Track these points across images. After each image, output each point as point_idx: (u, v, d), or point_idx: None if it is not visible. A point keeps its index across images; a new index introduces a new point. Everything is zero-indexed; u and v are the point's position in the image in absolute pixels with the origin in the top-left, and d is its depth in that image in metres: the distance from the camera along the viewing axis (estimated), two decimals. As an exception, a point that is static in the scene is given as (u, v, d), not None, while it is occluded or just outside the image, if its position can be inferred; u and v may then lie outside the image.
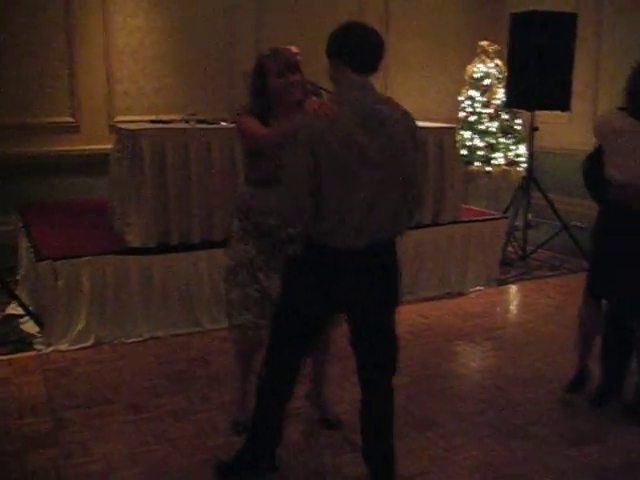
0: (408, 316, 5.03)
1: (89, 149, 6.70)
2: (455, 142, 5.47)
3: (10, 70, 6.41)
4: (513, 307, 5.61)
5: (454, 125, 5.47)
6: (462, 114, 7.50)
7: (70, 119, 6.82)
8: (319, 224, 2.61)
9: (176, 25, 7.02)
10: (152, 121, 5.17)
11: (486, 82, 7.38)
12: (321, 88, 5.38)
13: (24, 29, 6.46)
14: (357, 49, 2.61)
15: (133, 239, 4.57)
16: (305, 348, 2.93)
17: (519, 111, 7.16)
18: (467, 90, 7.50)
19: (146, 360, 4.29)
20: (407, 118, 2.68)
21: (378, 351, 2.83)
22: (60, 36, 6.65)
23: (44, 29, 6.56)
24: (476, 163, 7.37)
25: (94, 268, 4.42)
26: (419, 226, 5.34)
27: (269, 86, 3.10)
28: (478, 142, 7.39)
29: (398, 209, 2.70)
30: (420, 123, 5.42)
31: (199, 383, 3.96)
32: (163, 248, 4.61)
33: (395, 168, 2.63)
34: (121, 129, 4.92)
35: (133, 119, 6.18)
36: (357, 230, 2.61)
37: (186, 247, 4.63)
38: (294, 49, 5.08)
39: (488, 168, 7.35)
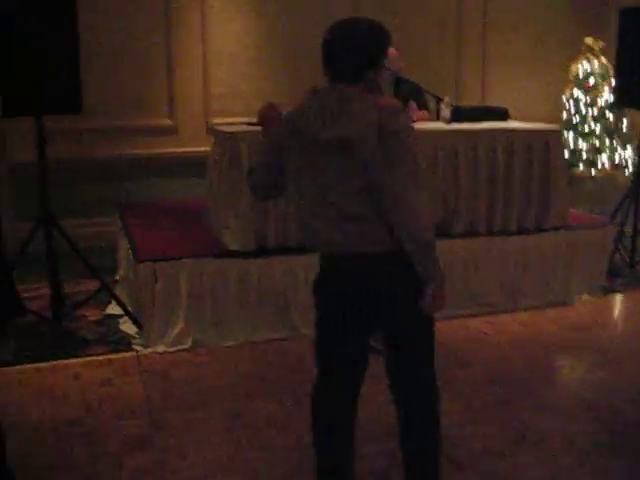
0: (510, 326, 4.85)
1: (186, 151, 6.77)
2: (562, 144, 5.22)
3: (110, 74, 6.53)
4: (620, 318, 5.31)
5: (559, 127, 5.21)
6: (565, 114, 7.20)
7: (168, 121, 6.91)
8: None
9: (273, 29, 7.01)
10: (248, 123, 5.14)
11: (591, 81, 7.06)
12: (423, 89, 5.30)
13: (123, 33, 6.57)
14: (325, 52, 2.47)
15: (231, 242, 4.55)
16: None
17: (625, 111, 6.83)
18: (571, 89, 7.21)
19: (243, 364, 4.26)
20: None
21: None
22: (159, 40, 6.74)
23: (143, 33, 6.67)
24: (580, 166, 7.07)
25: (192, 270, 4.42)
26: (522, 231, 5.15)
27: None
28: (582, 144, 7.09)
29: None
30: (523, 124, 5.30)
31: (295, 390, 3.89)
32: (261, 252, 4.58)
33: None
34: (219, 131, 4.92)
35: (229, 121, 6.20)
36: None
37: (283, 251, 4.58)
38: (393, 51, 4.99)
39: (593, 171, 7.03)
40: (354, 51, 2.41)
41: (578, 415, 3.65)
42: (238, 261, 4.49)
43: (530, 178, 5.07)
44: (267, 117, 2.78)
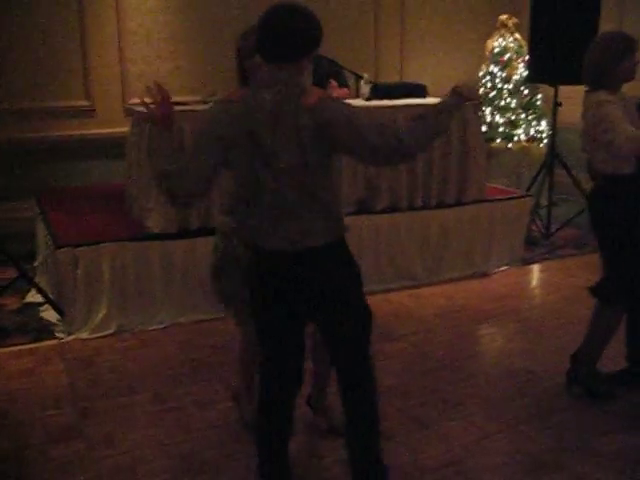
0: (434, 298, 4.96)
1: (105, 132, 6.60)
2: (479, 119, 5.33)
3: (22, 54, 6.29)
4: (539, 288, 5.49)
5: (478, 101, 5.31)
6: (482, 90, 7.34)
7: (85, 102, 6.71)
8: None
9: (189, 5, 6.88)
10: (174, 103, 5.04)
11: (506, 57, 7.21)
12: (342, 67, 5.32)
13: (35, 12, 6.33)
14: (260, 33, 2.43)
15: (153, 225, 4.49)
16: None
17: (540, 86, 7.01)
18: (487, 66, 7.35)
19: (169, 347, 4.22)
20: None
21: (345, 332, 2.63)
22: (72, 18, 6.50)
23: (56, 12, 6.44)
24: (497, 140, 7.23)
25: (114, 255, 4.35)
26: (442, 206, 5.25)
27: (245, 67, 3.01)
28: (498, 118, 7.25)
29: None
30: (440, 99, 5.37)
31: (222, 370, 3.88)
32: (183, 233, 4.53)
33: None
34: (137, 112, 4.82)
35: (148, 102, 6.07)
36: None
37: (207, 231, 4.53)
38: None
39: (509, 145, 7.21)
40: (295, 34, 2.39)
41: (498, 382, 3.78)
42: (160, 243, 4.43)
43: (449, 153, 5.16)
44: (164, 107, 2.56)
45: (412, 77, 7.27)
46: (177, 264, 4.48)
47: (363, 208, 5.04)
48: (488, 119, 7.25)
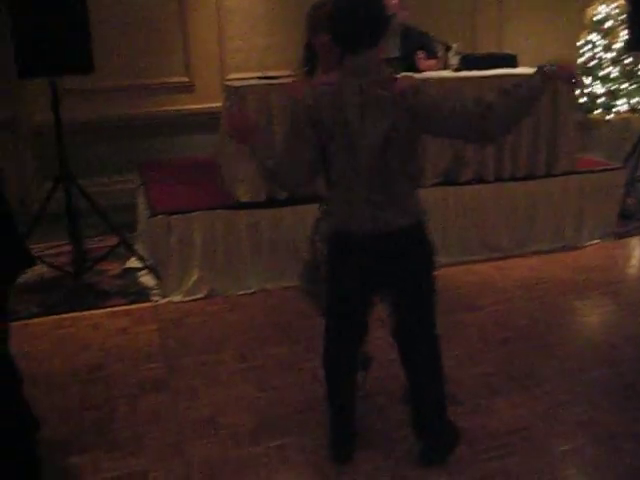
0: (518, 270, 4.93)
1: (203, 107, 6.86)
2: (572, 90, 5.20)
3: (125, 34, 6.62)
4: (632, 261, 5.34)
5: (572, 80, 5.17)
6: (581, 59, 7.13)
7: (185, 79, 6.99)
8: None
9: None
10: (259, 77, 5.20)
11: (607, 24, 6.97)
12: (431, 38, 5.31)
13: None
14: (337, 24, 2.49)
15: (242, 194, 4.67)
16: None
17: (644, 54, 6.75)
18: (587, 34, 7.12)
19: (255, 311, 4.41)
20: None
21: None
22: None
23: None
24: (597, 111, 7.02)
25: (205, 222, 4.56)
26: (530, 177, 5.18)
27: (315, 41, 2.97)
28: (599, 89, 7.03)
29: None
30: (530, 70, 5.27)
31: (305, 334, 4.03)
32: (271, 203, 4.70)
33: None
34: (228, 86, 5.00)
35: (244, 76, 6.26)
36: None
37: (294, 201, 4.69)
38: (394, 1, 4.99)
39: (609, 116, 6.98)
40: (371, 21, 2.47)
41: (577, 354, 3.75)
42: (249, 212, 4.61)
43: (538, 123, 5.08)
44: (244, 129, 2.61)
45: (510, 48, 7.13)
46: (265, 232, 4.65)
47: (449, 179, 5.05)
48: (588, 90, 7.04)
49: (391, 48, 4.91)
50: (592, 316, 4.29)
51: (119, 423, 3.23)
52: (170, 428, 3.17)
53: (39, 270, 4.79)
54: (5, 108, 6.26)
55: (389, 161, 2.51)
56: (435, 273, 2.75)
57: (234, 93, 4.71)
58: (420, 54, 5.18)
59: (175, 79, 6.94)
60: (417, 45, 5.23)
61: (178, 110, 6.90)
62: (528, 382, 3.46)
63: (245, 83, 4.79)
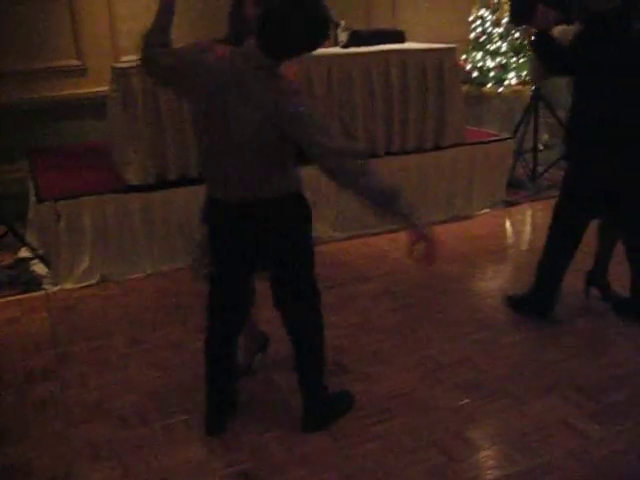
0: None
1: (96, 91, 6.69)
2: (455, 63, 5.33)
3: (12, 15, 6.40)
4: (519, 228, 5.55)
5: (453, 45, 5.31)
6: (473, 34, 7.30)
7: (76, 62, 6.81)
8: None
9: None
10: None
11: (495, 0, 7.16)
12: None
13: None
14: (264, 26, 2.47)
15: (132, 177, 4.62)
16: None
17: (530, 28, 6.95)
18: (477, 10, 7.29)
19: (149, 294, 4.38)
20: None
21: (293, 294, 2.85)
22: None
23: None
24: (488, 85, 7.21)
25: (94, 207, 4.49)
26: (420, 150, 5.30)
27: (244, 15, 2.96)
28: (489, 63, 7.22)
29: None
30: (417, 45, 5.40)
31: (198, 314, 4.02)
32: (162, 184, 4.66)
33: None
34: (115, 68, 4.91)
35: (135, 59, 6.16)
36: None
37: (184, 182, 4.67)
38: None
39: (500, 89, 7.19)
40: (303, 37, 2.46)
41: (460, 317, 3.89)
42: (139, 195, 4.56)
43: (425, 97, 5.20)
44: None
45: (404, 25, 7.24)
46: (156, 214, 4.62)
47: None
48: (479, 64, 7.23)
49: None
50: (478, 282, 4.44)
51: (5, 414, 3.17)
52: (57, 416, 3.14)
53: None
54: None
55: (258, 148, 2.52)
56: (308, 243, 2.77)
57: (121, 75, 4.64)
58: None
59: (65, 62, 6.76)
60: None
61: (70, 95, 6.73)
62: (414, 346, 3.58)
63: (132, 64, 4.71)
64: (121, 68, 4.65)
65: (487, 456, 2.76)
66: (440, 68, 5.21)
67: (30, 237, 5.09)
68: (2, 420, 3.12)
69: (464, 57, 7.30)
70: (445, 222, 5.35)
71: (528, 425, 2.92)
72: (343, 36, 5.32)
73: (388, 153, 5.20)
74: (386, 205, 2.51)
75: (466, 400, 3.10)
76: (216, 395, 2.96)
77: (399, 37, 5.46)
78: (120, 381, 3.39)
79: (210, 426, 2.95)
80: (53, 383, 3.40)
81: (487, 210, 5.57)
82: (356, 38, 5.33)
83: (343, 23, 5.38)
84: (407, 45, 5.37)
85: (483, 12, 7.24)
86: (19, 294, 4.47)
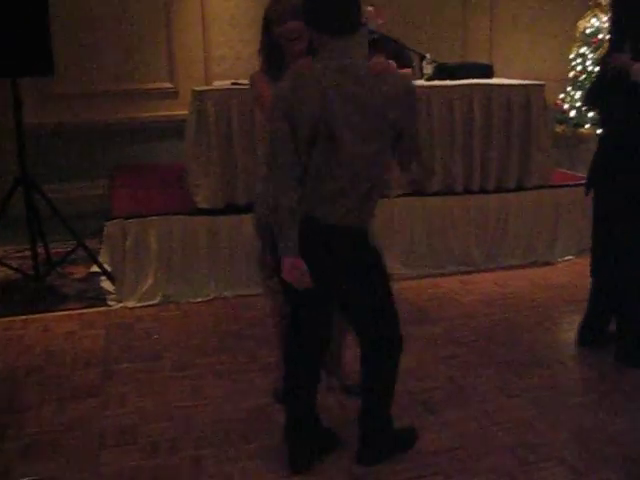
0: (482, 285, 4.81)
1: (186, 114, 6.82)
2: (544, 101, 5.07)
3: (110, 39, 6.63)
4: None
5: (541, 82, 5.06)
6: (572, 73, 7.01)
7: (169, 85, 6.97)
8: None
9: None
10: (232, 84, 5.15)
11: (599, 37, 6.84)
12: (405, 47, 5.23)
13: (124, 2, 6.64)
14: (321, 9, 2.44)
15: (201, 200, 4.61)
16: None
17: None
18: (578, 47, 7.00)
19: (206, 319, 4.33)
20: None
21: (371, 330, 2.75)
22: (158, 3, 6.80)
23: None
24: (586, 126, 6.89)
25: (161, 228, 4.51)
26: (502, 190, 5.06)
27: (275, 37, 2.89)
28: (589, 103, 6.89)
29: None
30: (505, 80, 5.18)
31: (251, 343, 3.95)
32: (230, 209, 4.63)
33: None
34: (193, 91, 4.95)
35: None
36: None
37: (252, 207, 4.60)
38: (370, 9, 4.92)
39: (599, 131, 6.82)
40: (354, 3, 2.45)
41: (525, 373, 3.62)
42: (207, 218, 4.55)
43: (510, 135, 4.97)
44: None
45: (500, 61, 7.04)
46: (223, 239, 4.59)
47: (417, 189, 4.95)
48: (577, 104, 6.91)
49: (360, 57, 4.82)
50: (550, 334, 4.14)
51: (41, 427, 3.15)
52: (91, 435, 3.09)
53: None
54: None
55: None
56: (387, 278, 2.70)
57: (197, 97, 4.67)
58: (392, 63, 5.07)
59: (159, 85, 6.93)
60: (390, 55, 5.13)
61: (162, 116, 6.88)
62: (468, 401, 3.34)
63: (208, 88, 4.74)
64: (197, 91, 4.68)
65: (529, 528, 2.51)
66: (527, 105, 4.97)
67: (104, 254, 5.16)
68: (37, 433, 3.10)
69: (562, 96, 7.02)
70: (523, 268, 5.07)
71: (580, 498, 2.65)
72: (428, 68, 5.17)
73: (467, 191, 4.98)
74: None
75: (516, 463, 2.85)
76: (304, 425, 2.81)
77: (486, 71, 5.26)
78: (158, 406, 3.31)
79: (295, 462, 2.80)
80: (94, 400, 3.37)
81: (571, 257, 5.25)
82: (442, 71, 5.17)
83: (429, 56, 5.24)
84: (494, 80, 5.16)
85: (585, 50, 6.94)
86: (83, 308, 4.52)
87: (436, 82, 5.02)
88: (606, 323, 3.79)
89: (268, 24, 2.93)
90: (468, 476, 2.77)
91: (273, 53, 2.92)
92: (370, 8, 4.91)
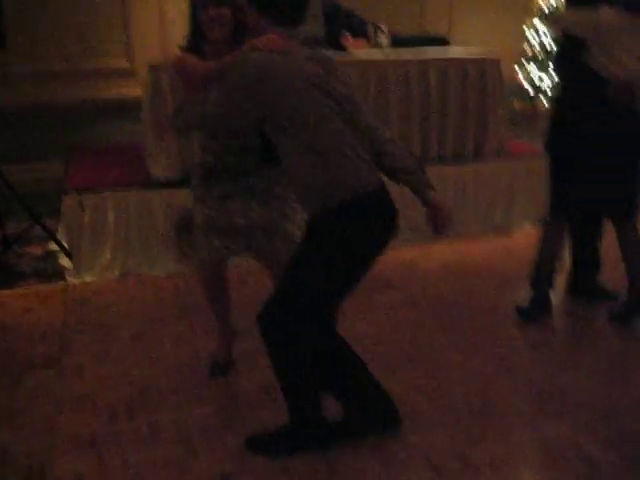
0: (441, 253, 4.85)
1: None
2: (500, 74, 5.10)
3: (64, 17, 6.51)
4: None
5: (498, 57, 5.08)
6: (528, 48, 7.06)
7: (125, 64, 6.87)
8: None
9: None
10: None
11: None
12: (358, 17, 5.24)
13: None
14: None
15: (157, 173, 4.57)
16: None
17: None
18: (533, 22, 7.06)
19: (165, 291, 4.31)
20: None
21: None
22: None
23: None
24: (543, 101, 6.96)
25: (118, 201, 4.46)
26: (460, 160, 5.10)
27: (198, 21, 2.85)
28: (545, 78, 6.97)
29: None
30: (461, 53, 5.21)
31: (208, 313, 3.92)
32: (187, 181, 4.58)
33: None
34: (149, 67, 4.88)
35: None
36: None
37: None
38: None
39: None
40: None
41: (479, 334, 3.67)
42: (163, 191, 4.51)
43: (466, 106, 5.01)
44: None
45: (460, 33, 7.03)
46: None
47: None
48: (535, 79, 6.98)
49: (315, 28, 4.82)
50: (500, 299, 4.18)
51: (-2, 401, 3.13)
52: (47, 404, 3.07)
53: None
54: None
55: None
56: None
57: (151, 71, 4.61)
58: (346, 36, 5.09)
59: (115, 63, 6.82)
60: (344, 25, 5.15)
61: (118, 95, 6.78)
62: (424, 361, 3.38)
63: (159, 62, 4.70)
64: (153, 66, 4.62)
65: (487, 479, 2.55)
66: (482, 78, 5.00)
67: (61, 232, 5.10)
68: (-9, 405, 3.08)
69: (518, 71, 7.07)
70: (480, 237, 5.11)
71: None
72: (383, 39, 5.19)
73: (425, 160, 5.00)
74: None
75: (472, 418, 2.90)
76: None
77: (441, 43, 5.29)
78: (115, 374, 3.30)
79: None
80: (51, 372, 3.34)
81: (527, 226, 5.30)
82: (397, 42, 5.19)
83: (384, 27, 5.25)
84: (451, 50, 5.19)
85: (540, 25, 7.00)
86: (40, 284, 4.46)
87: (390, 53, 5.03)
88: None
89: (194, 8, 2.90)
90: (426, 432, 2.81)
91: (195, 37, 2.88)
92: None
